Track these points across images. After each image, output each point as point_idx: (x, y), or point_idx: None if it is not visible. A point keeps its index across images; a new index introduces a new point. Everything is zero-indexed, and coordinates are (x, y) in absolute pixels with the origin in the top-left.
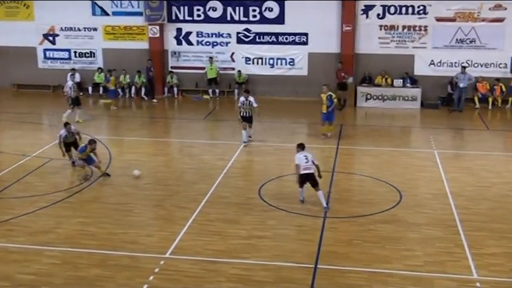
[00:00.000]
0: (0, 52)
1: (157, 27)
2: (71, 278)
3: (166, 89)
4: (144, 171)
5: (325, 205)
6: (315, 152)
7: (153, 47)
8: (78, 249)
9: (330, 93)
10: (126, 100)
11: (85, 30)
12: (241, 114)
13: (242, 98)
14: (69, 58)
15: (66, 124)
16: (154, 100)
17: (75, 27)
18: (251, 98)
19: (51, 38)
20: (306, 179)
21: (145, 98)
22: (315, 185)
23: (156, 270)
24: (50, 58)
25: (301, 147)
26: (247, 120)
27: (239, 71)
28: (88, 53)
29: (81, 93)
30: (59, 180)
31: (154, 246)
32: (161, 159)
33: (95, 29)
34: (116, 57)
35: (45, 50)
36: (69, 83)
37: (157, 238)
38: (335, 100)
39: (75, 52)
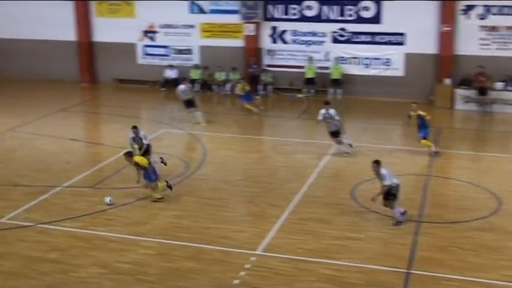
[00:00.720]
0: (102, 48)
1: (253, 25)
2: (165, 269)
3: (260, 87)
4: (237, 168)
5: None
6: (409, 155)
7: (248, 45)
8: (173, 242)
9: (419, 112)
10: (220, 97)
11: (183, 28)
12: (328, 130)
13: (323, 110)
14: (167, 55)
15: (134, 127)
16: (257, 97)
17: (173, 25)
18: (331, 111)
19: (150, 35)
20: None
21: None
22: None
23: (247, 266)
24: (149, 54)
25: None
26: (335, 134)
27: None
28: (185, 50)
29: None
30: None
31: (246, 242)
32: (254, 157)
33: (192, 27)
34: (211, 55)
35: (145, 46)
36: (182, 87)
37: (249, 234)
38: (427, 118)
39: (173, 49)
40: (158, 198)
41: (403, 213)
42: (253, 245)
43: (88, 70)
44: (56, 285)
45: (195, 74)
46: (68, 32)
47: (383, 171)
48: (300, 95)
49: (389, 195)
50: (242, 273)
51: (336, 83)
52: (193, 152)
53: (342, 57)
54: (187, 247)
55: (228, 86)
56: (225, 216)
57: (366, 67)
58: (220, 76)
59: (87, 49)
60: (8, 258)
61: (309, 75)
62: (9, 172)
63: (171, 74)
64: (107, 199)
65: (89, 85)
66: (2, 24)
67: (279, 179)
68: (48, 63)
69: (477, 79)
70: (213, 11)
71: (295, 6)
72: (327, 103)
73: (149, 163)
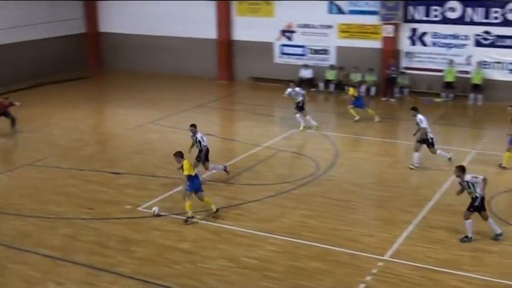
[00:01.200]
0: (240, 46)
1: (392, 26)
2: (291, 267)
3: (397, 90)
4: (368, 171)
5: (498, 232)
6: None
7: (386, 47)
8: (299, 241)
9: None
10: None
11: (320, 28)
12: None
13: (289, 89)
14: (304, 54)
15: (192, 125)
16: (392, 99)
17: (311, 25)
18: (420, 117)
19: (288, 34)
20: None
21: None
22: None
23: (374, 271)
24: (285, 53)
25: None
26: (423, 142)
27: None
28: (322, 50)
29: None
30: (285, 171)
31: (374, 247)
32: (386, 160)
33: (330, 27)
34: (347, 55)
35: (282, 45)
36: (295, 91)
37: (377, 239)
38: None
39: (310, 49)
40: (188, 217)
41: (499, 234)
42: (382, 250)
43: (226, 68)
44: (186, 275)
45: (330, 75)
46: (209, 30)
47: (467, 178)
48: (437, 99)
49: (471, 206)
50: (368, 277)
51: (477, 88)
52: (325, 152)
53: (485, 61)
54: (314, 247)
55: (363, 88)
56: (354, 219)
57: (511, 72)
58: (356, 77)
59: (226, 47)
60: (142, 245)
61: (449, 79)
62: (147, 163)
63: (306, 73)
64: (155, 210)
65: (226, 82)
66: (149, 23)
67: (411, 185)
68: (188, 60)
69: None
70: (351, 12)
71: (437, 7)
72: (414, 109)
73: (195, 175)
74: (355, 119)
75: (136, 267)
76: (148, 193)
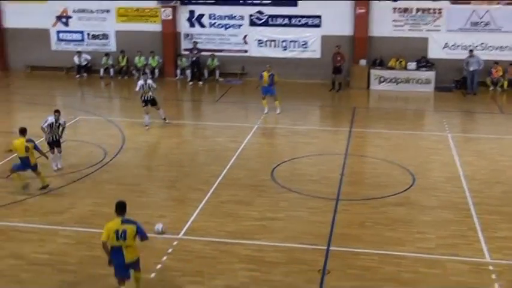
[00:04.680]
0: (12, 34)
1: (170, 9)
2: (86, 257)
3: (178, 71)
4: (156, 154)
5: None
6: (327, 135)
7: (165, 29)
8: (92, 230)
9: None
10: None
11: (98, 13)
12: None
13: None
14: (83, 40)
15: (56, 111)
16: (200, 82)
17: (88, 9)
18: (149, 81)
19: (64, 20)
20: None
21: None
22: None
23: (170, 250)
24: (63, 40)
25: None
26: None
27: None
28: (101, 35)
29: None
30: (73, 160)
31: (168, 227)
32: (173, 141)
33: (108, 11)
34: (128, 39)
35: (58, 32)
36: (140, 82)
37: (170, 219)
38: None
39: (88, 34)
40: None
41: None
42: (175, 229)
43: None
44: None
45: (106, 61)
46: None
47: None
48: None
49: None
50: (164, 258)
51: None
52: (112, 138)
53: (260, 40)
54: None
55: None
56: (146, 202)
57: (284, 50)
58: (140, 61)
59: None
60: None
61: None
62: None
63: (81, 60)
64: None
65: (0, 72)
66: None
67: (200, 163)
68: None
69: (334, 59)
70: None
71: None
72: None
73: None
74: (265, 111)
75: None
76: None
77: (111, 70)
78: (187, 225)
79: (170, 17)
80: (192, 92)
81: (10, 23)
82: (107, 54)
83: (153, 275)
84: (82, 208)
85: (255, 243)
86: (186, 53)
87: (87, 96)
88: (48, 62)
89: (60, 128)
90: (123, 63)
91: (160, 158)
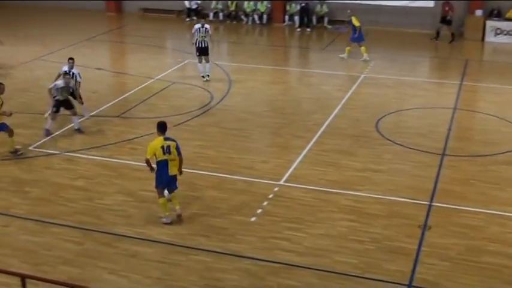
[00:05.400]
0: None
1: None
2: (189, 197)
3: (287, 17)
4: (262, 99)
5: None
6: (436, 87)
7: None
8: (196, 171)
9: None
10: (249, 27)
11: None
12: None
13: (198, 25)
14: None
15: (70, 58)
16: (308, 29)
17: None
18: (207, 26)
19: None
20: None
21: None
22: None
23: (270, 196)
24: None
25: None
26: (203, 52)
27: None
28: None
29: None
30: (179, 103)
31: (269, 173)
32: (279, 88)
33: None
34: None
35: None
36: (197, 25)
37: (272, 165)
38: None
39: None
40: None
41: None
42: (277, 175)
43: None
44: (82, 212)
45: (216, 5)
46: None
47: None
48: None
49: None
50: (265, 203)
51: None
52: (218, 82)
53: None
54: (211, 177)
55: (255, 16)
56: (249, 147)
57: None
58: (249, 6)
59: None
60: (36, 185)
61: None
62: (36, 101)
63: (191, 4)
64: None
65: (115, 14)
66: None
67: (304, 111)
68: None
69: (443, 9)
70: None
71: None
72: (204, 17)
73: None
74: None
75: (31, 208)
76: (39, 132)
77: (221, 14)
78: (288, 172)
79: None
80: (300, 38)
81: None
82: None
83: (253, 218)
84: (187, 150)
85: (355, 193)
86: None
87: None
88: (160, 5)
89: (74, 81)
90: (232, 7)
91: (265, 104)
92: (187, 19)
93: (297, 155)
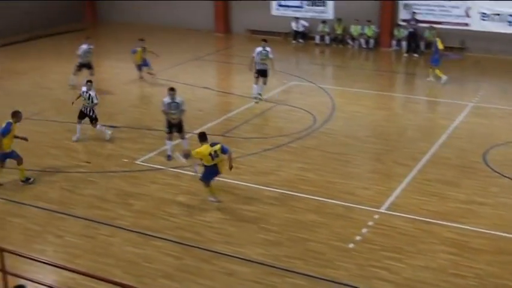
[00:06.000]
0: None
1: None
2: (288, 220)
3: (394, 42)
4: (365, 124)
5: None
6: None
7: None
8: (296, 193)
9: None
10: (355, 51)
11: None
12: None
13: (259, 48)
14: (301, 6)
15: (89, 81)
16: (416, 55)
17: None
18: (268, 49)
19: None
20: None
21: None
22: None
23: (370, 223)
24: (283, 6)
25: None
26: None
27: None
28: (319, 2)
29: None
30: (282, 124)
31: (370, 200)
32: (383, 113)
33: None
34: (346, 7)
35: None
36: (259, 48)
37: (373, 192)
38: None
39: (307, 0)
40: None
41: None
42: (377, 202)
43: (223, 20)
44: (183, 227)
45: (323, 28)
46: None
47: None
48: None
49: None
50: (364, 230)
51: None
52: (322, 105)
53: (484, 13)
54: (310, 200)
55: (362, 40)
56: (350, 172)
57: (510, 25)
58: (356, 30)
59: None
60: (140, 199)
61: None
62: (144, 117)
63: (298, 26)
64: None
65: (223, 35)
66: None
67: (408, 138)
68: (185, 13)
69: None
70: None
71: None
72: (265, 40)
73: None
74: (440, 80)
75: (134, 220)
76: (145, 146)
77: (327, 38)
78: (389, 200)
79: None
80: (407, 64)
81: None
82: (324, 22)
83: (351, 245)
84: (288, 172)
85: (459, 226)
86: (404, 23)
87: (302, 62)
88: (267, 27)
89: (91, 100)
90: (339, 31)
91: (368, 129)
92: (294, 41)
93: (399, 183)
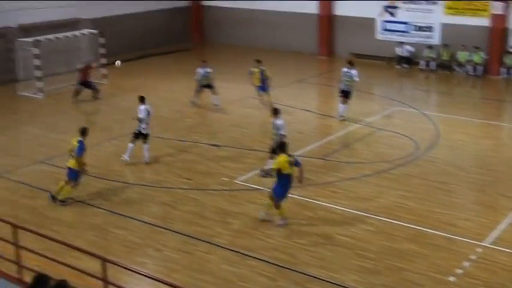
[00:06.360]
0: (341, 21)
1: (502, 3)
2: (385, 247)
3: (503, 70)
4: (469, 154)
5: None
6: None
7: (494, 25)
8: (395, 221)
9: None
10: (461, 77)
11: (426, 4)
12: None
13: (344, 69)
14: (407, 31)
15: (141, 97)
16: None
17: (415, 0)
18: (353, 71)
19: (391, 10)
20: None
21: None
22: None
23: (472, 257)
24: (388, 30)
25: None
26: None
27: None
28: (426, 27)
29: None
30: (383, 150)
31: (472, 232)
32: (489, 143)
33: (435, 3)
34: (453, 33)
35: (384, 21)
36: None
37: (476, 224)
38: None
39: (413, 25)
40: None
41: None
42: (481, 235)
43: (326, 43)
44: (279, 249)
45: (429, 53)
46: (310, 5)
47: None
48: None
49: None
50: (466, 263)
51: None
52: (425, 132)
53: None
54: (410, 229)
55: (469, 67)
56: (452, 202)
57: None
58: (463, 56)
59: (327, 22)
60: (238, 218)
61: None
62: (245, 137)
63: (402, 51)
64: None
65: (326, 58)
66: None
67: None
68: (288, 35)
69: None
70: None
71: None
72: (350, 62)
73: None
74: None
75: (231, 239)
76: (245, 166)
77: (433, 63)
78: (494, 234)
79: (501, 12)
80: None
81: (340, 10)
82: (430, 47)
83: (452, 278)
84: (388, 198)
85: None
86: None
87: (405, 87)
88: (370, 51)
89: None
90: (446, 57)
91: (473, 159)
92: (398, 66)
93: (505, 216)
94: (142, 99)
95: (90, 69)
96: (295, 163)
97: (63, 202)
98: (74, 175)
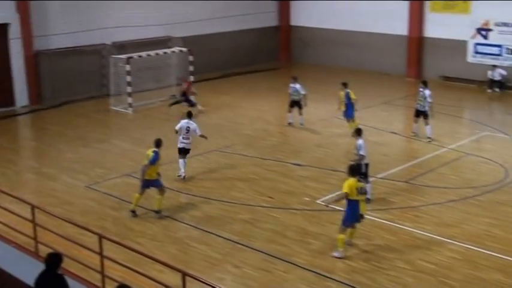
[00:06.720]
0: (431, 44)
1: None
2: (470, 276)
3: None
4: None
5: None
6: None
7: None
8: (481, 250)
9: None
10: None
11: None
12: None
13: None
14: (500, 54)
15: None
16: None
17: (510, 23)
18: (427, 92)
19: (484, 33)
20: None
21: None
22: None
23: None
24: (479, 53)
25: None
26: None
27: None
28: None
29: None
30: (471, 176)
31: None
32: None
33: None
34: None
35: (476, 44)
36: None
37: None
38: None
39: (506, 48)
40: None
41: None
42: None
43: (415, 65)
44: (359, 272)
45: None
46: (400, 27)
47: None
48: None
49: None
50: None
51: None
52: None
53: None
54: (497, 258)
55: None
56: None
57: None
58: None
59: (417, 44)
60: (318, 238)
61: None
62: (329, 157)
63: (494, 74)
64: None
65: (415, 80)
66: (338, 18)
67: None
68: (376, 56)
69: None
70: None
71: None
72: (424, 82)
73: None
74: None
75: (311, 259)
76: (328, 187)
77: None
78: None
79: None
80: None
81: (430, 32)
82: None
83: None
84: (474, 226)
85: None
86: None
87: (496, 112)
88: (461, 74)
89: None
90: None
91: None
92: (489, 90)
93: None
94: (189, 115)
95: (191, 84)
96: (364, 190)
97: (159, 213)
98: (159, 184)
